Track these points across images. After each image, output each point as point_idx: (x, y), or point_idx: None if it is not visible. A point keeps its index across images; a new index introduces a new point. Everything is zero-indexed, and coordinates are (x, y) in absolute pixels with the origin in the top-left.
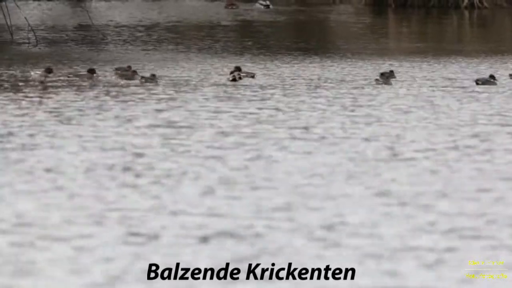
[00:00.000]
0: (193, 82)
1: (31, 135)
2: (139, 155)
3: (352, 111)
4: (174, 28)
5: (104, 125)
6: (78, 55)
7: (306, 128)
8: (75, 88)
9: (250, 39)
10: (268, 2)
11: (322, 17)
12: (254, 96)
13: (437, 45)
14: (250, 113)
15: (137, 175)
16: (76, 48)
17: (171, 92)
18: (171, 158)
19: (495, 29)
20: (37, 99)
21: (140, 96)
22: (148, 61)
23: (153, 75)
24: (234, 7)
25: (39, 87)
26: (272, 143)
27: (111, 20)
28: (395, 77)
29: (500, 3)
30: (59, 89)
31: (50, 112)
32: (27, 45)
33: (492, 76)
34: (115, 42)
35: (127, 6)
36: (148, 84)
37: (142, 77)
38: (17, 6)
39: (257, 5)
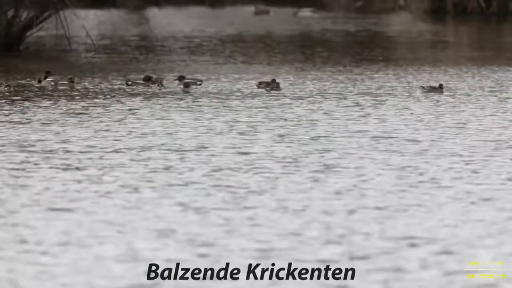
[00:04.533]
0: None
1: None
2: None
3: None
4: (232, 38)
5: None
6: (141, 65)
7: None
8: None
9: (314, 49)
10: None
11: (384, 25)
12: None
13: (496, 53)
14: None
15: None
16: (140, 58)
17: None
18: None
19: None
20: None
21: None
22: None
23: (273, 80)
24: (262, 13)
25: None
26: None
27: (171, 29)
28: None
29: None
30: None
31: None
32: (85, 53)
33: None
34: (175, 51)
35: (181, 14)
36: (271, 91)
37: (260, 82)
38: (75, 14)
39: (303, 12)
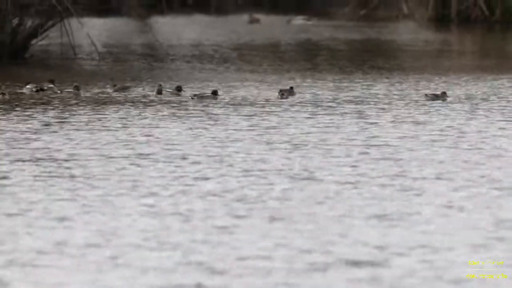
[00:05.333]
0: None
1: None
2: None
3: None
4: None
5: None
6: (146, 73)
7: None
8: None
9: (321, 58)
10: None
11: (388, 33)
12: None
13: (500, 61)
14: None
15: None
16: (145, 66)
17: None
18: None
19: None
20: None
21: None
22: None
23: (291, 87)
24: (256, 21)
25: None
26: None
27: (175, 38)
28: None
29: None
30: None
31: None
32: (90, 62)
33: None
34: (180, 59)
35: (183, 22)
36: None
37: (280, 89)
38: (80, 23)
39: (297, 21)
